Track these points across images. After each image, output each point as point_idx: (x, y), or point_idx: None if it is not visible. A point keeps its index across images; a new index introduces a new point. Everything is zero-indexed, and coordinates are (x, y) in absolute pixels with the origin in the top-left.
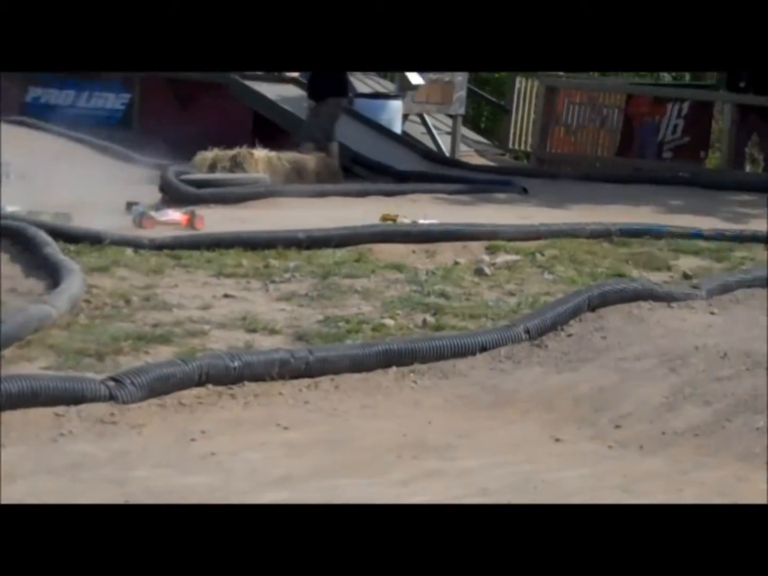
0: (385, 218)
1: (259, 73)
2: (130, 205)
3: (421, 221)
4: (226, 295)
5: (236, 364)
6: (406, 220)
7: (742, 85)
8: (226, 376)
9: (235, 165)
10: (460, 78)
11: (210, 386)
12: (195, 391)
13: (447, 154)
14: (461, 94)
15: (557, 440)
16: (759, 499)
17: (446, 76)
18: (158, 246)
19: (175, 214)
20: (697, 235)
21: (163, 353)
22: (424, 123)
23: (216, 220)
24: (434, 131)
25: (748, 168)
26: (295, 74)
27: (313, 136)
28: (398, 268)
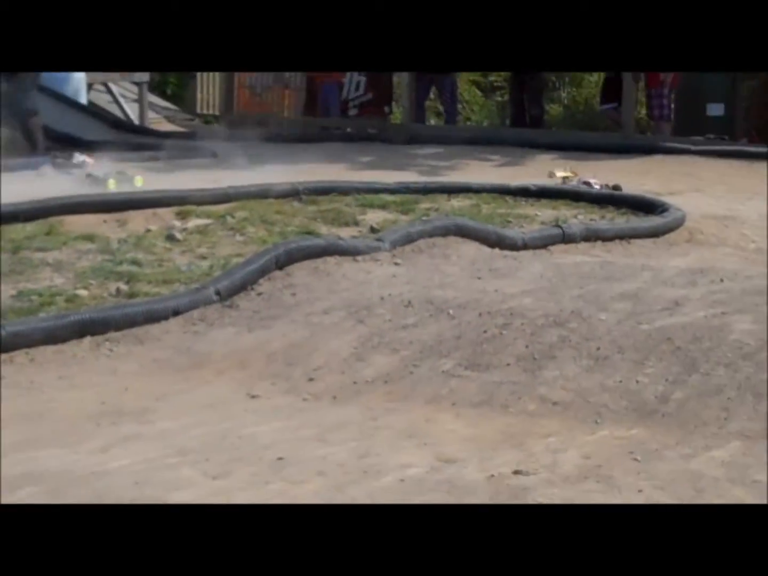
0: (551, 176)
1: None
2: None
3: (593, 180)
4: None
5: None
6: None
7: None
8: None
9: None
10: None
11: None
12: None
13: (136, 122)
14: None
15: (252, 397)
16: (448, 438)
17: None
18: None
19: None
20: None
21: None
22: (110, 92)
23: None
24: (121, 100)
25: (433, 121)
26: None
27: (15, 111)
28: (90, 238)
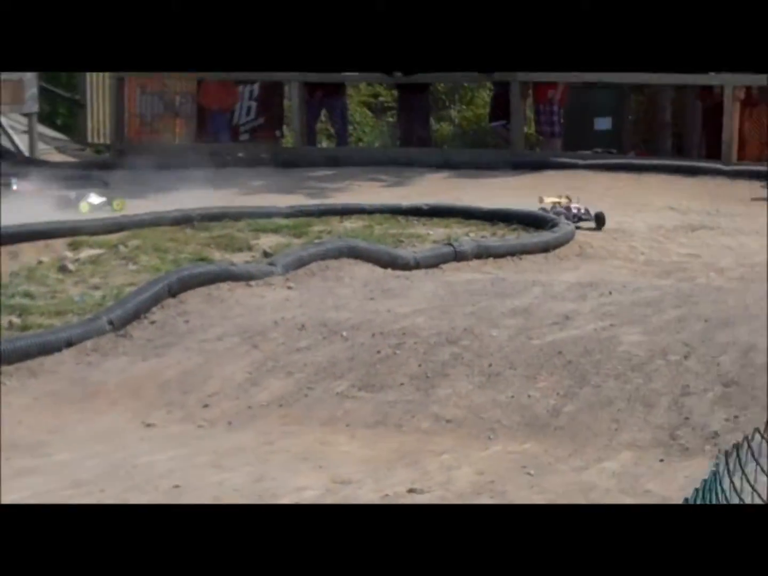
0: (540, 201)
1: None
2: None
3: (574, 205)
4: None
5: None
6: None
7: None
8: None
9: None
10: (30, 75)
11: None
12: None
13: (25, 153)
14: (33, 91)
15: (147, 425)
16: (343, 460)
17: (15, 75)
18: None
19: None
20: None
21: None
22: None
23: None
24: (10, 131)
25: (324, 144)
26: None
27: None
28: None
